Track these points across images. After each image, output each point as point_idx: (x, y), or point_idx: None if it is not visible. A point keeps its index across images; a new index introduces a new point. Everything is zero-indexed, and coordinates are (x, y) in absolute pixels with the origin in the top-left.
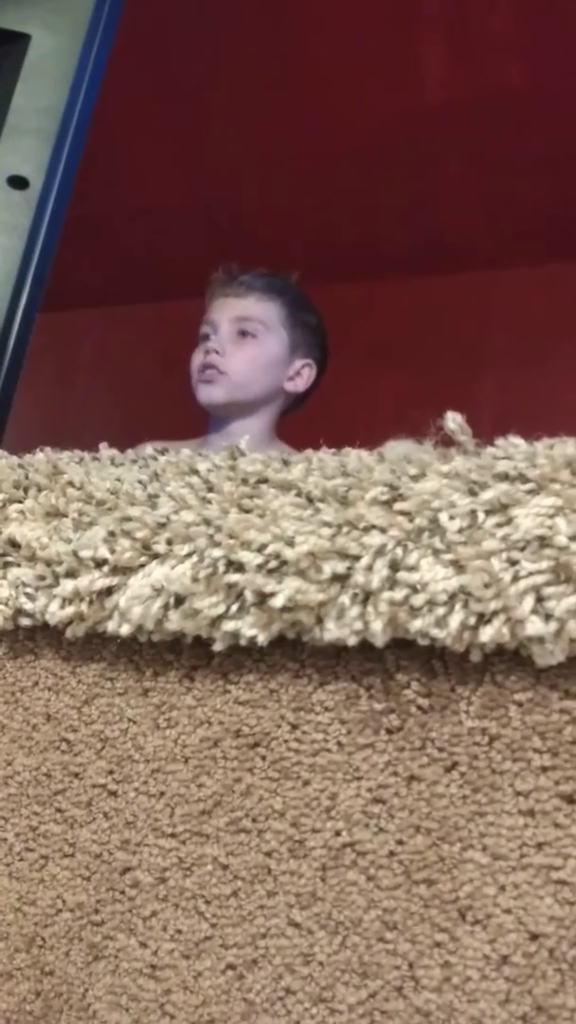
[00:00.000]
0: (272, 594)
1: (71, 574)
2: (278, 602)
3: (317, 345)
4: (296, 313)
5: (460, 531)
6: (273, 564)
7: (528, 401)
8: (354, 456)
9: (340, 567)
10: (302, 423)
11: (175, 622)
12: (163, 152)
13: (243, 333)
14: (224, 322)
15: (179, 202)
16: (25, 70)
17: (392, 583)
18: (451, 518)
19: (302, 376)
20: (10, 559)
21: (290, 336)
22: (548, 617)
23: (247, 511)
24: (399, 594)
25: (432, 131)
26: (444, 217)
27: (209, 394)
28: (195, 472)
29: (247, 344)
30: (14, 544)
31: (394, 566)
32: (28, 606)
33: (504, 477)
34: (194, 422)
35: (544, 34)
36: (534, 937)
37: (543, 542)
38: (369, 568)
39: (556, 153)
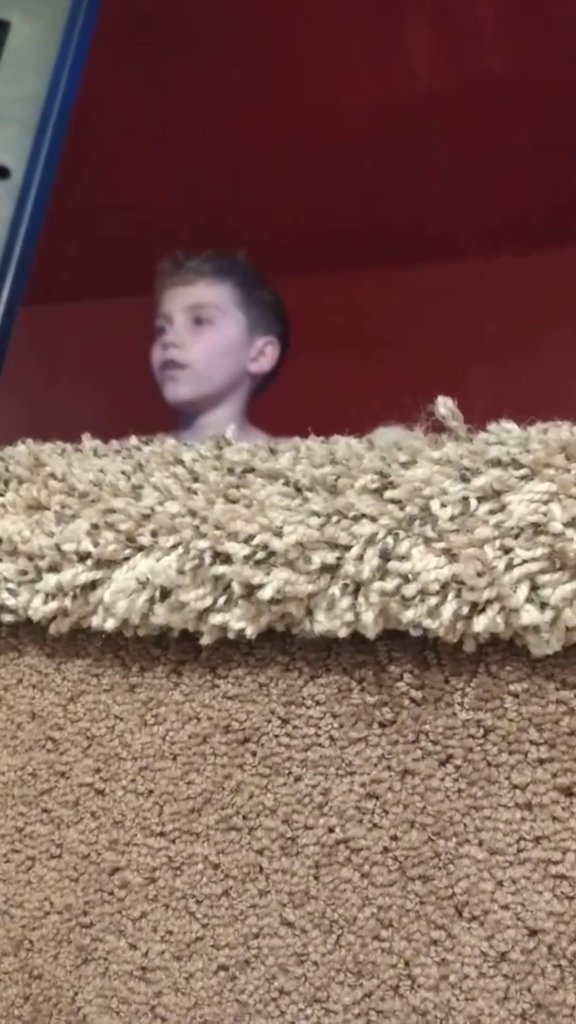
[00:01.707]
0: (260, 586)
1: (54, 568)
2: (266, 594)
3: (276, 320)
4: (250, 292)
5: (452, 519)
6: (261, 555)
7: (520, 390)
8: (343, 444)
9: (330, 557)
10: (291, 415)
11: (161, 616)
12: (148, 143)
13: (199, 321)
14: (178, 313)
15: (166, 193)
16: (5, 58)
17: (383, 573)
18: (443, 505)
19: (266, 355)
20: None
21: (247, 316)
22: (543, 605)
23: (233, 501)
24: (390, 584)
25: (419, 119)
26: (432, 206)
27: (175, 392)
28: (180, 462)
29: (204, 331)
30: None
31: (385, 555)
32: (10, 602)
33: (497, 463)
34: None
35: (531, 21)
36: (533, 933)
37: (537, 529)
38: (359, 558)
39: (545, 140)
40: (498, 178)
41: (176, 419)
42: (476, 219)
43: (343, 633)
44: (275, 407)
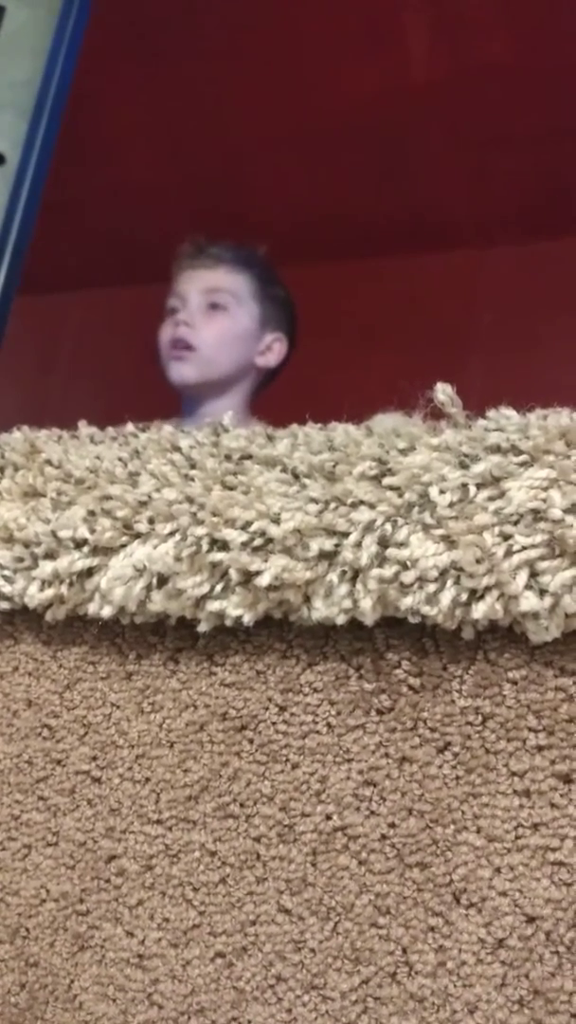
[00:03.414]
0: (258, 573)
1: (50, 555)
2: (264, 581)
3: (286, 319)
4: (266, 287)
5: (451, 505)
6: (258, 542)
7: (516, 381)
8: (341, 430)
9: (328, 544)
10: (287, 404)
11: (158, 603)
12: (146, 130)
13: (214, 306)
14: (193, 294)
15: (163, 181)
16: (0, 42)
17: (381, 560)
18: (442, 492)
19: (273, 351)
20: None
21: (260, 309)
22: (542, 592)
23: (231, 488)
24: (389, 571)
25: (417, 108)
26: (429, 195)
27: (181, 373)
28: (177, 449)
29: (218, 317)
30: None
31: (383, 542)
32: (6, 589)
33: (496, 449)
34: (179, 408)
35: (529, 9)
36: (530, 920)
37: (537, 515)
38: (358, 545)
39: (543, 129)
40: (495, 167)
41: (178, 405)
42: (473, 208)
43: (341, 620)
44: (271, 396)
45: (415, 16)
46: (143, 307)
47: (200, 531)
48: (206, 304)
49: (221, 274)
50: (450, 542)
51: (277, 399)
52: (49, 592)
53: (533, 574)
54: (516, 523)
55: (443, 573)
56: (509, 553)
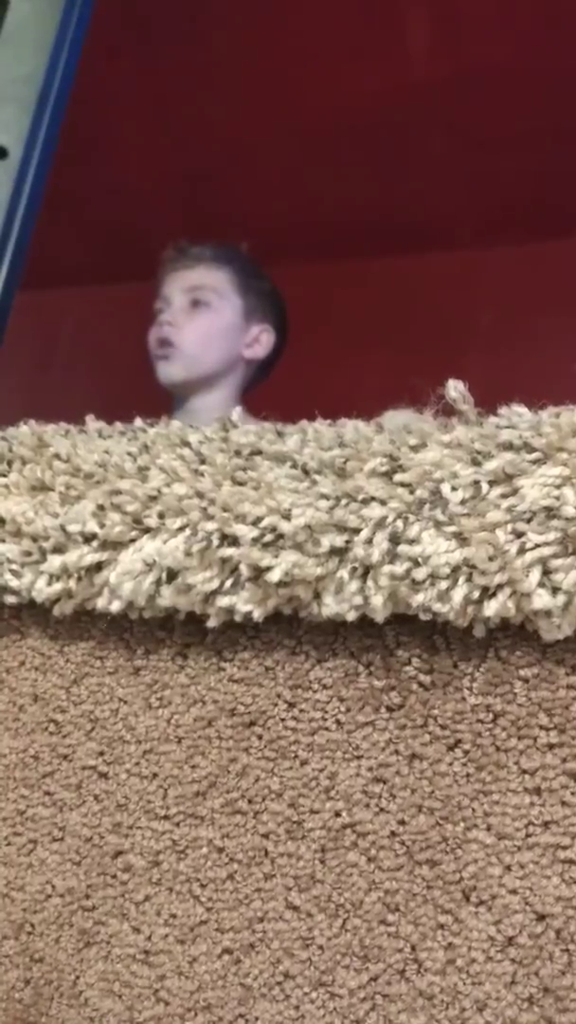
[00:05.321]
0: (268, 568)
1: (58, 550)
2: (274, 576)
3: (272, 311)
4: (248, 279)
5: (463, 502)
6: (269, 538)
7: (515, 381)
8: (351, 427)
9: (339, 540)
10: (286, 404)
11: (167, 598)
12: (147, 127)
13: (196, 303)
14: (176, 294)
15: (163, 178)
16: (3, 37)
17: (393, 556)
18: (453, 489)
19: (260, 343)
20: None
21: (244, 302)
22: (555, 590)
23: (241, 483)
24: (400, 568)
25: (416, 108)
26: (430, 195)
27: (167, 372)
28: (186, 444)
29: (200, 313)
30: None
31: (395, 539)
32: (13, 583)
33: (508, 446)
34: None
35: (529, 8)
36: (540, 918)
37: (550, 513)
38: (369, 541)
39: (543, 129)
40: (496, 167)
41: (168, 402)
42: (473, 208)
43: (351, 617)
44: (270, 395)
45: (415, 16)
46: (142, 303)
47: (210, 526)
48: (188, 302)
49: (201, 271)
50: (462, 539)
51: (277, 399)
52: (57, 586)
53: (546, 572)
54: (529, 520)
55: (455, 570)
56: (522, 551)
